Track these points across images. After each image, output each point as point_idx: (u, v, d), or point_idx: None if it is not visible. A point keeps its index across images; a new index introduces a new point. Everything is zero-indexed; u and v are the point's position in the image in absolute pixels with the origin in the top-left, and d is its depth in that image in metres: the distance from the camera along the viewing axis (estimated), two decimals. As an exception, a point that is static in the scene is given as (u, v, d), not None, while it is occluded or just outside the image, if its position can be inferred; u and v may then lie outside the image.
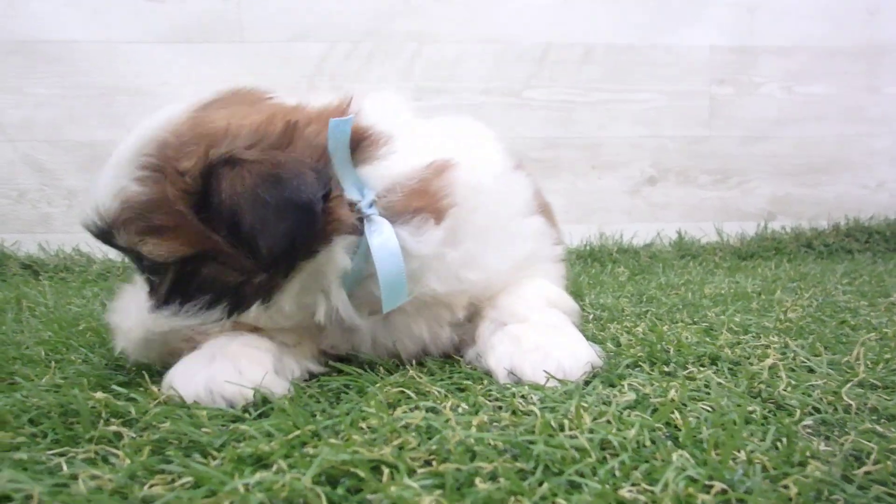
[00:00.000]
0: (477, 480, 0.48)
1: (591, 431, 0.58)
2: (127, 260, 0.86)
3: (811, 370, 0.85)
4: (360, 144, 0.79)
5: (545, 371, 0.76)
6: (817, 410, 0.68)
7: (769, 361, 0.87)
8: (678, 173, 2.67)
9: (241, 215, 0.70)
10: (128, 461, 0.54)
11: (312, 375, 0.84)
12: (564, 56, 2.55)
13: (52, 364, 0.83)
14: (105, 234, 0.78)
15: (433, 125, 0.97)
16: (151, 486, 0.50)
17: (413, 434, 0.58)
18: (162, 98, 2.32)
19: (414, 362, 0.88)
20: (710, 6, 2.54)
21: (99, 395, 0.66)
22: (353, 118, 0.79)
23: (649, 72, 2.58)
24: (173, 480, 0.51)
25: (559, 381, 0.75)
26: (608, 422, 0.61)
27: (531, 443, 0.55)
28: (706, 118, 2.63)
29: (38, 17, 2.21)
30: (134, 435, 0.60)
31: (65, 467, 0.51)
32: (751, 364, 0.87)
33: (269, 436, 0.59)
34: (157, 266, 0.76)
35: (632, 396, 0.69)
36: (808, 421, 0.65)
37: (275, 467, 0.50)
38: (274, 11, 2.38)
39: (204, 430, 0.60)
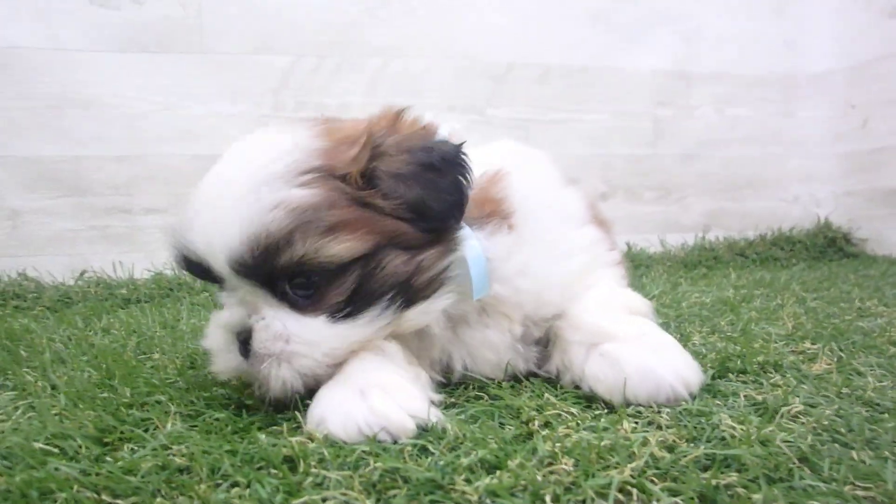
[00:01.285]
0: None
1: (764, 443, 0.64)
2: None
3: (859, 373, 0.96)
4: None
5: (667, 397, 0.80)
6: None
7: (822, 366, 0.98)
8: (625, 190, 2.86)
9: (409, 188, 0.76)
10: (369, 502, 0.53)
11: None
12: (524, 75, 2.66)
13: (171, 407, 0.78)
14: (259, 262, 0.73)
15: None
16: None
17: (611, 453, 0.62)
18: (115, 110, 2.17)
19: (525, 384, 0.91)
20: (652, 33, 2.76)
21: (295, 440, 0.64)
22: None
23: (600, 93, 2.75)
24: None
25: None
26: (771, 431, 0.68)
27: (732, 456, 0.60)
28: (651, 138, 2.84)
29: (-26, 20, 1.99)
30: (340, 477, 0.59)
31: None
32: (807, 369, 0.97)
33: (484, 466, 0.60)
34: (331, 272, 0.75)
35: (756, 407, 0.76)
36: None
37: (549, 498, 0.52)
38: (236, 20, 2.29)
39: (417, 465, 0.60)
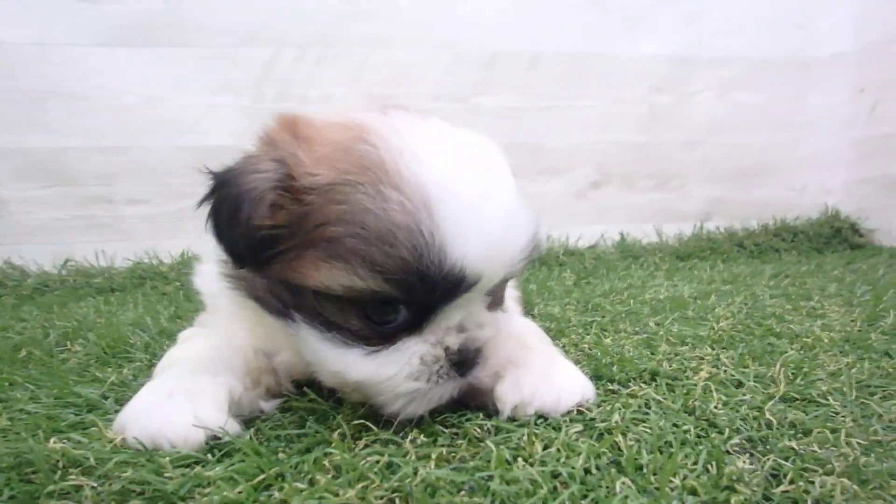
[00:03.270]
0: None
1: (542, 463, 0.62)
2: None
3: (740, 384, 0.92)
4: None
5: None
6: (744, 428, 0.75)
7: (703, 375, 0.94)
8: (621, 177, 2.77)
9: None
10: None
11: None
12: (513, 63, 2.60)
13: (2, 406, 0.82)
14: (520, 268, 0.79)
15: None
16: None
17: (375, 472, 0.61)
18: (100, 102, 2.24)
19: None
20: (650, 19, 2.64)
21: (55, 444, 0.66)
22: None
23: (593, 80, 2.66)
24: (140, 533, 0.52)
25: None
26: (558, 450, 0.66)
27: (488, 478, 0.58)
28: (646, 125, 2.74)
29: (-41, 18, 2.09)
30: (95, 485, 0.60)
31: (29, 528, 0.52)
32: (687, 378, 0.93)
33: (233, 480, 0.60)
34: None
35: (578, 421, 0.74)
36: (736, 439, 0.71)
37: (243, 517, 0.52)
38: (218, 13, 2.32)
39: (167, 476, 0.61)
